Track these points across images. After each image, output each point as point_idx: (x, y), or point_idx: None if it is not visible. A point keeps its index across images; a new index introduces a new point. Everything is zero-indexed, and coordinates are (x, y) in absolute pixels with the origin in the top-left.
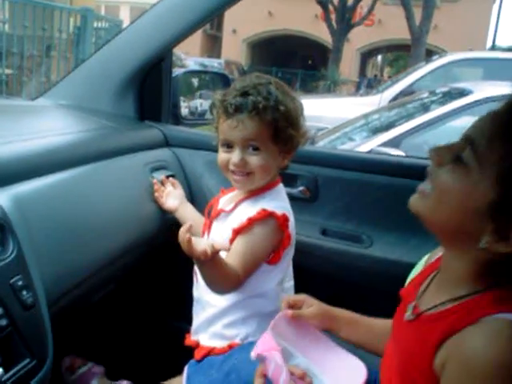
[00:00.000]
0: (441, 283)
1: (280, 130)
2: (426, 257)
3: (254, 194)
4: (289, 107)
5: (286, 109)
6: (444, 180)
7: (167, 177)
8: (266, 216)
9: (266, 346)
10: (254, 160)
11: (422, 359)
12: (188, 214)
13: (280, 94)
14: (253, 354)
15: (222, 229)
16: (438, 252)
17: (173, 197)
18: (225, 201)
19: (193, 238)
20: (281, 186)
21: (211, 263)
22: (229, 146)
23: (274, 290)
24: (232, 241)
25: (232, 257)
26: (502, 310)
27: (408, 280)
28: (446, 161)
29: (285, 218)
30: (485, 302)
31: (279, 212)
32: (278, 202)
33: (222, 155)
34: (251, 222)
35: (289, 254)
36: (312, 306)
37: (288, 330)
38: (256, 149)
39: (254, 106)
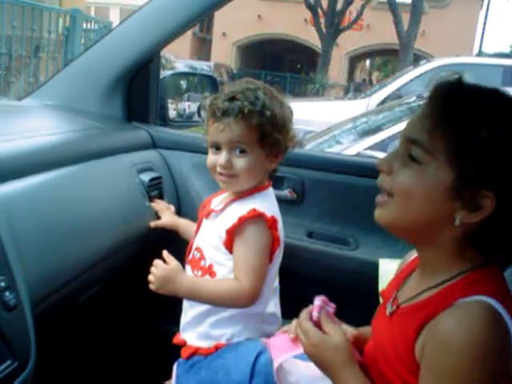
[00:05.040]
0: (420, 276)
1: (266, 134)
2: (397, 262)
3: (243, 195)
4: (275, 112)
5: (272, 114)
6: (403, 182)
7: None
8: (256, 216)
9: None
10: (240, 162)
11: (404, 349)
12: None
13: (267, 100)
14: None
15: (211, 228)
16: (412, 253)
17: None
18: (216, 201)
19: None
20: (270, 189)
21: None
22: (217, 148)
23: (263, 293)
24: (227, 242)
25: (238, 266)
26: (474, 293)
27: (384, 283)
28: (396, 166)
29: (274, 220)
30: (459, 286)
31: (268, 214)
32: (268, 203)
33: (210, 157)
34: (242, 221)
35: (278, 257)
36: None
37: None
38: (242, 151)
39: (240, 111)
